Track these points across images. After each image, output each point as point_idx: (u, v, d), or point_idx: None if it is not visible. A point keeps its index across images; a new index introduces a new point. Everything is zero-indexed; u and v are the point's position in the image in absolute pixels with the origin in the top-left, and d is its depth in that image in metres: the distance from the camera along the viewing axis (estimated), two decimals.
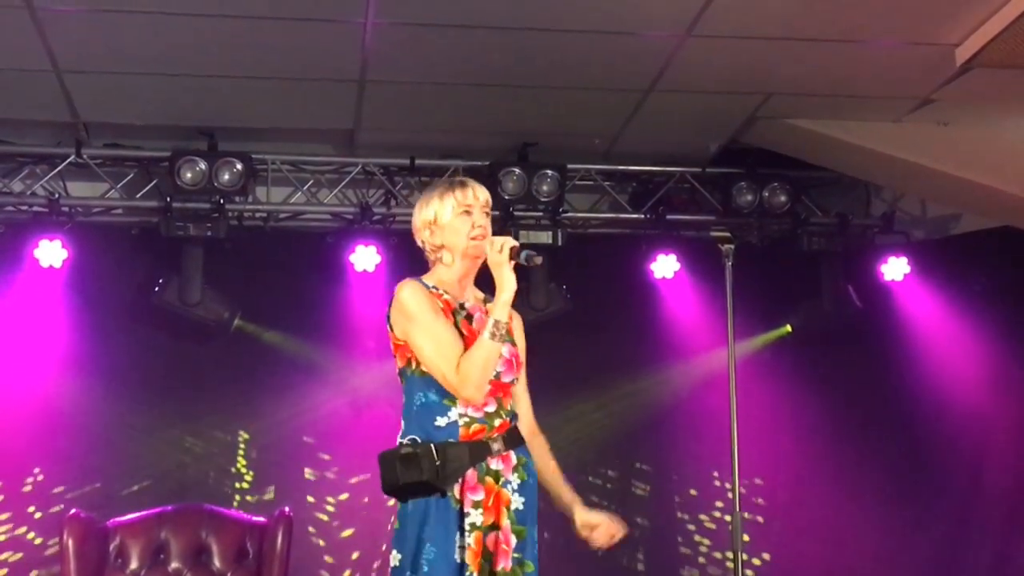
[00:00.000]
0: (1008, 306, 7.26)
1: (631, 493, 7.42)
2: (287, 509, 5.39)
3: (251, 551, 5.31)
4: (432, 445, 3.64)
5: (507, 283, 3.70)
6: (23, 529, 6.75)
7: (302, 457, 7.12)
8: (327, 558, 7.03)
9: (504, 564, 3.64)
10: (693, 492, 7.45)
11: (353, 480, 7.09)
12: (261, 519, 5.47)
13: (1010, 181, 6.45)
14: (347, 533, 7.06)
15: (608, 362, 7.27)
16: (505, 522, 3.67)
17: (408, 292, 3.77)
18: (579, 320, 7.15)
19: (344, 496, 7.09)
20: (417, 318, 3.73)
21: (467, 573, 3.61)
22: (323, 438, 7.12)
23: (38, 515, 6.77)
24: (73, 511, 5.38)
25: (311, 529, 6.97)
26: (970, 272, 7.26)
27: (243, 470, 7.07)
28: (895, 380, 7.38)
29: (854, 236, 7.39)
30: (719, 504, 7.40)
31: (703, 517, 7.42)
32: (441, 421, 3.70)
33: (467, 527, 3.64)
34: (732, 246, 4.74)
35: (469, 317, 3.79)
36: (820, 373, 7.42)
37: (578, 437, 7.18)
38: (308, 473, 7.12)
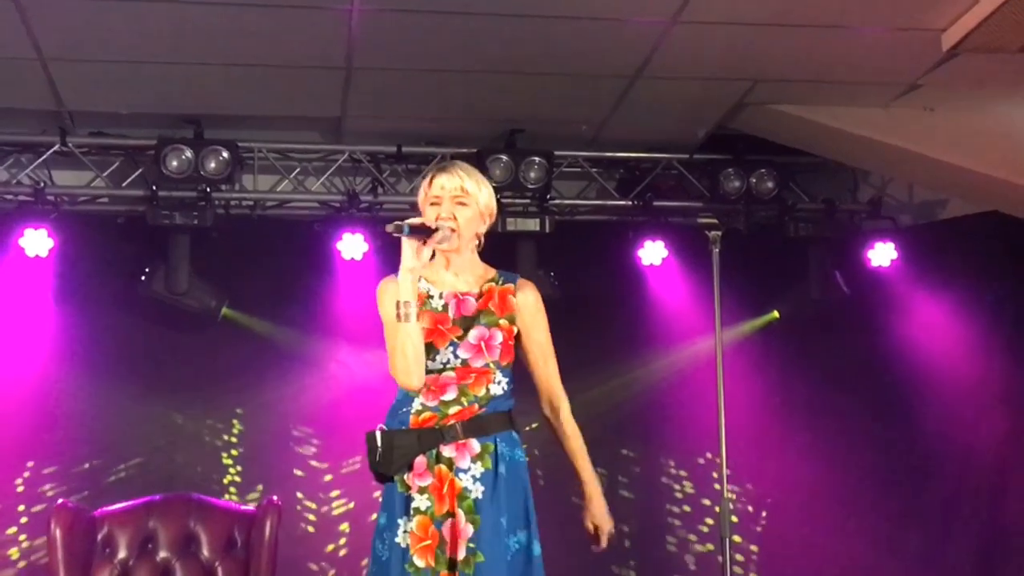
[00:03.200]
0: (995, 290, 7.28)
1: (619, 479, 7.43)
2: (275, 498, 5.38)
3: (240, 540, 5.30)
4: (378, 432, 3.70)
5: (403, 255, 3.70)
6: (9, 519, 6.74)
7: (290, 445, 7.12)
8: (316, 547, 7.03)
9: (455, 552, 3.64)
10: (680, 477, 7.46)
11: (342, 468, 7.09)
12: (250, 508, 5.46)
13: (996, 166, 6.46)
14: (336, 521, 7.06)
15: (596, 349, 7.26)
16: (457, 510, 3.68)
17: (379, 289, 3.83)
18: (566, 307, 7.11)
19: (332, 484, 7.09)
20: (381, 312, 3.79)
21: (410, 558, 3.63)
22: (311, 426, 7.12)
23: (24, 505, 6.75)
24: (60, 501, 5.37)
25: (300, 518, 6.97)
26: (957, 257, 7.26)
27: (231, 459, 7.07)
28: (883, 365, 7.39)
29: (841, 222, 7.40)
30: (706, 489, 7.41)
31: (691, 503, 7.43)
32: (403, 410, 3.76)
33: (412, 512, 3.67)
34: (719, 233, 4.74)
35: (445, 307, 3.79)
36: (808, 359, 7.43)
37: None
38: (297, 461, 7.11)
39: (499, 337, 3.80)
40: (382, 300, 3.79)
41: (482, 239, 3.90)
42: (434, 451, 3.70)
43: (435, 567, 3.64)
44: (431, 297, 3.80)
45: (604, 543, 3.90)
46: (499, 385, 3.79)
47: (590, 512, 3.92)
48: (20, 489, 6.78)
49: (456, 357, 3.75)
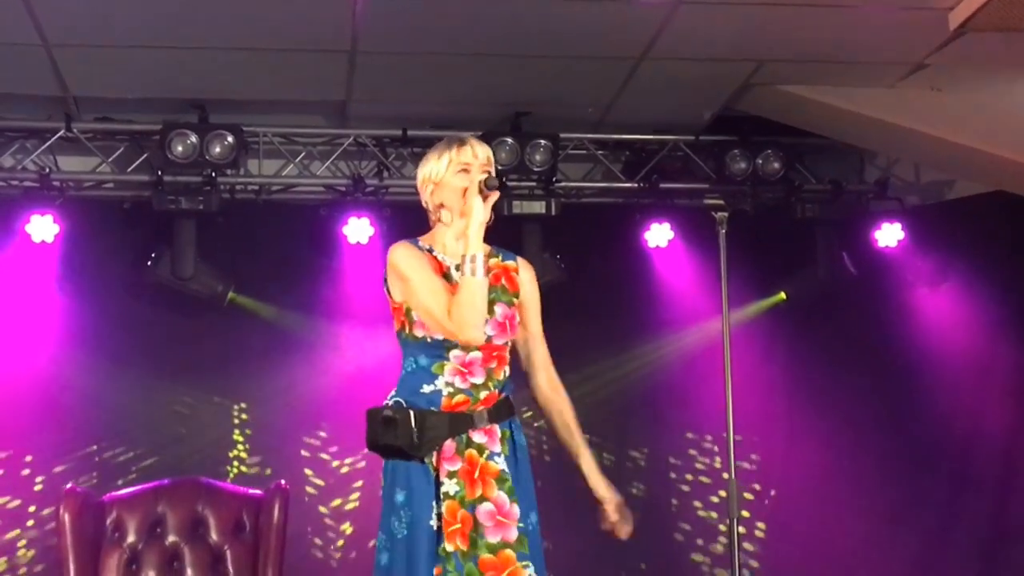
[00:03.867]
0: (1002, 271, 7.26)
1: (626, 462, 7.43)
2: (283, 482, 5.39)
3: (248, 524, 5.30)
4: (412, 412, 3.66)
5: (473, 212, 3.69)
6: (18, 504, 6.76)
7: (298, 429, 7.13)
8: (324, 530, 7.04)
9: (503, 535, 3.63)
10: (687, 459, 7.47)
11: (350, 451, 7.10)
12: (258, 492, 5.46)
13: (1003, 145, 6.44)
14: (343, 504, 7.07)
15: (603, 331, 7.27)
16: (498, 493, 3.66)
17: (400, 252, 3.78)
18: (573, 290, 7.14)
19: (341, 467, 7.10)
20: (409, 275, 3.73)
21: (443, 542, 3.61)
22: (319, 410, 7.12)
23: (35, 489, 6.77)
24: (69, 486, 5.38)
25: (308, 501, 6.98)
26: (964, 237, 7.25)
27: (239, 443, 7.08)
28: (890, 346, 7.38)
29: (848, 203, 7.38)
30: (713, 471, 7.41)
31: (698, 485, 7.44)
32: (427, 388, 3.71)
33: (441, 496, 3.65)
34: (726, 214, 4.73)
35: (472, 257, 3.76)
36: (815, 340, 7.43)
37: (572, 405, 7.17)
38: (304, 445, 7.12)
39: (516, 316, 3.82)
40: (407, 262, 3.74)
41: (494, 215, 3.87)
42: (464, 436, 3.68)
43: (470, 550, 3.61)
44: (450, 269, 3.77)
45: (621, 517, 3.93)
46: (508, 366, 3.81)
47: (593, 486, 3.91)
48: (27, 474, 6.79)
49: (483, 334, 3.72)
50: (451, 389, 3.70)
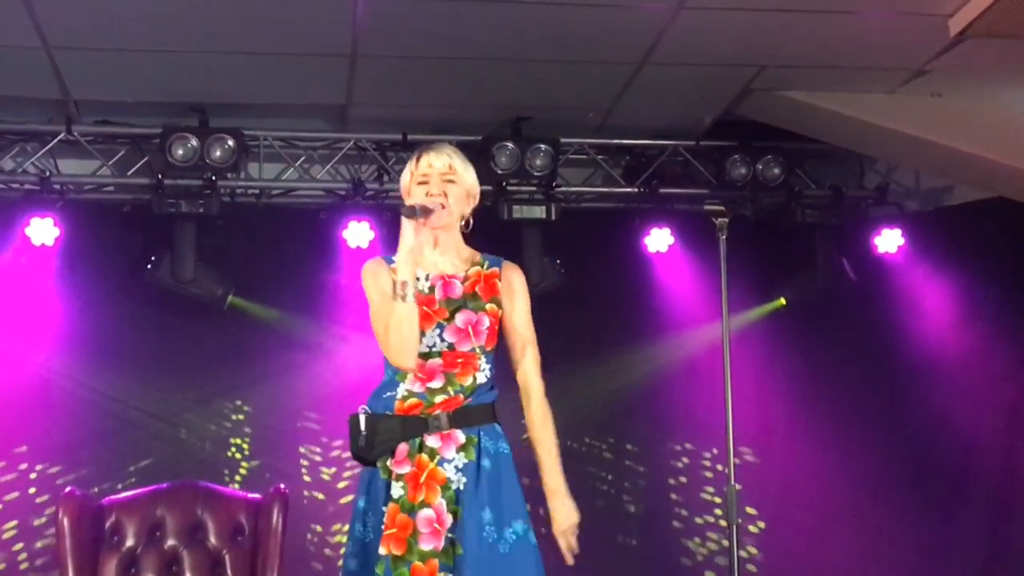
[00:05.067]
0: (1001, 277, 7.27)
1: (625, 465, 7.43)
2: (283, 486, 5.38)
3: (247, 528, 5.29)
4: (363, 416, 3.69)
5: (402, 237, 3.69)
6: (17, 506, 6.75)
7: (297, 433, 7.12)
8: (323, 533, 7.04)
9: (434, 544, 3.61)
10: (687, 464, 7.46)
11: (348, 455, 7.08)
12: (257, 496, 5.45)
13: (1003, 152, 6.44)
14: (342, 508, 7.06)
15: (603, 336, 7.27)
16: (438, 501, 3.64)
17: (365, 270, 3.82)
18: (573, 295, 7.14)
19: (339, 471, 7.09)
20: (367, 294, 3.78)
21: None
22: (318, 413, 7.11)
23: (32, 492, 6.76)
24: (68, 489, 5.37)
25: (306, 505, 6.97)
26: (964, 243, 7.25)
27: (238, 446, 7.07)
28: (889, 351, 7.38)
29: (848, 208, 7.39)
30: (713, 475, 7.41)
31: (697, 491, 7.43)
32: (388, 394, 3.74)
33: (389, 499, 3.66)
34: (726, 220, 4.72)
35: (432, 289, 3.76)
36: (815, 345, 7.43)
37: (573, 410, 7.17)
38: (303, 449, 7.12)
39: (486, 322, 3.77)
40: (367, 282, 3.79)
41: (471, 221, 3.87)
42: (418, 439, 3.68)
43: (405, 556, 3.59)
44: (417, 279, 3.75)
45: (571, 543, 3.77)
46: (483, 373, 3.76)
47: (551, 507, 3.79)
48: (26, 478, 6.79)
49: (443, 340, 3.72)
50: (405, 392, 3.71)
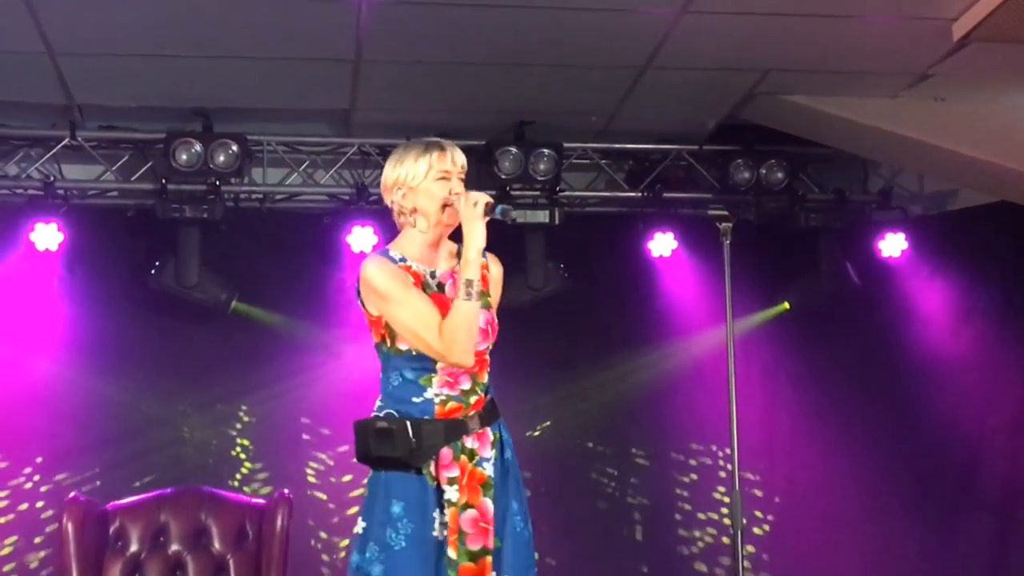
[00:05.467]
0: (1005, 281, 7.26)
1: (630, 470, 7.43)
2: (287, 491, 5.38)
3: (251, 533, 5.29)
4: (408, 422, 3.63)
5: (475, 239, 3.65)
6: (22, 511, 6.75)
7: (301, 437, 7.12)
8: (327, 539, 7.03)
9: (485, 543, 3.63)
10: (692, 469, 7.46)
11: (353, 460, 7.06)
12: (261, 501, 5.46)
13: (1007, 156, 6.44)
14: (347, 513, 7.06)
15: (606, 341, 7.27)
16: (482, 500, 3.65)
17: (373, 269, 3.71)
18: (577, 299, 7.15)
19: (343, 476, 7.09)
20: (390, 295, 3.67)
21: (447, 550, 3.60)
22: (322, 418, 7.11)
23: (37, 499, 6.76)
24: (72, 494, 5.37)
25: (310, 510, 6.97)
26: (968, 247, 7.25)
27: (242, 451, 7.07)
28: (893, 356, 7.38)
29: (851, 212, 7.38)
30: (718, 480, 7.40)
31: (702, 494, 7.43)
32: (417, 399, 3.68)
33: (445, 503, 3.63)
34: (730, 224, 4.73)
35: (441, 286, 3.74)
36: (818, 350, 7.42)
37: (576, 414, 7.19)
38: (307, 453, 7.12)
39: (495, 318, 3.78)
40: (385, 281, 3.67)
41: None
42: (459, 442, 3.66)
43: (456, 559, 3.60)
44: (427, 277, 3.74)
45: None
46: (489, 370, 3.77)
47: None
48: (30, 483, 6.79)
49: (472, 358, 3.69)
50: (442, 397, 3.68)
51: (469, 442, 3.68)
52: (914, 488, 7.28)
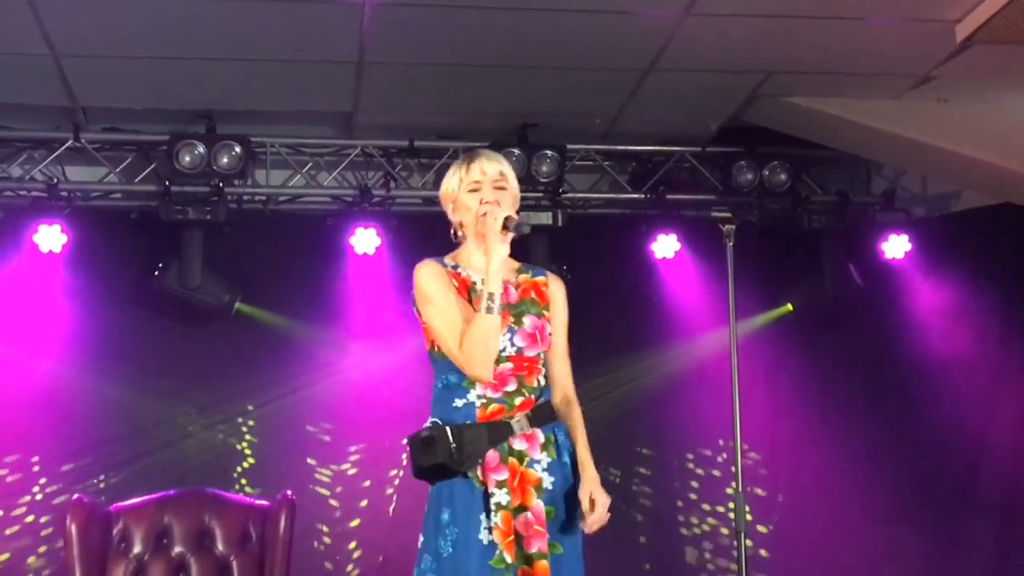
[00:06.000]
0: (1009, 283, 7.26)
1: (633, 472, 7.42)
2: (289, 492, 5.38)
3: (254, 535, 5.29)
4: (448, 428, 3.63)
5: (494, 253, 3.67)
6: (25, 513, 6.75)
7: (304, 439, 7.12)
8: (330, 541, 7.03)
9: (539, 546, 3.60)
10: (695, 470, 7.46)
11: (356, 462, 7.09)
12: (264, 502, 5.45)
13: (1010, 157, 6.44)
14: (350, 514, 7.06)
15: (609, 343, 7.26)
16: (535, 503, 3.63)
17: (422, 272, 3.76)
18: (579, 301, 7.06)
19: (346, 478, 7.09)
20: (429, 297, 3.72)
21: (497, 552, 3.57)
22: (325, 420, 7.11)
23: (40, 499, 6.77)
24: (76, 496, 5.38)
25: (314, 512, 6.96)
26: (971, 249, 7.25)
27: (245, 453, 7.08)
28: (896, 357, 7.38)
29: (855, 214, 7.38)
30: (721, 481, 7.40)
31: (705, 495, 7.42)
32: (459, 402, 3.68)
33: (493, 507, 3.61)
34: (733, 226, 4.73)
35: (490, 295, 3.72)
36: (821, 351, 7.42)
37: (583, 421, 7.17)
38: (310, 455, 7.12)
39: (548, 327, 3.79)
40: (429, 284, 3.72)
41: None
42: (505, 444, 3.65)
43: (514, 563, 3.58)
44: (475, 284, 3.76)
45: (600, 512, 3.73)
46: (544, 376, 3.77)
47: (594, 494, 3.75)
48: (35, 485, 6.80)
49: (512, 345, 3.71)
50: (484, 399, 3.68)
51: (517, 444, 3.66)
52: (916, 488, 7.26)
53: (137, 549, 5.23)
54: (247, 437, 7.09)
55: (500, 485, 3.62)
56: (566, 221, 6.97)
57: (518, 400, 3.69)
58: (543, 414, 3.73)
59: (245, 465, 7.05)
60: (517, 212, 3.80)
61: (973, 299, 7.32)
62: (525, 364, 3.72)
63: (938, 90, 6.41)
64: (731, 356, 4.84)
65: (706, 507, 7.41)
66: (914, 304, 7.41)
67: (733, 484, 4.90)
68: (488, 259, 3.68)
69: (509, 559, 3.57)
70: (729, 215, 4.73)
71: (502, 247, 3.67)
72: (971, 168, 6.58)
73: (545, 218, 6.93)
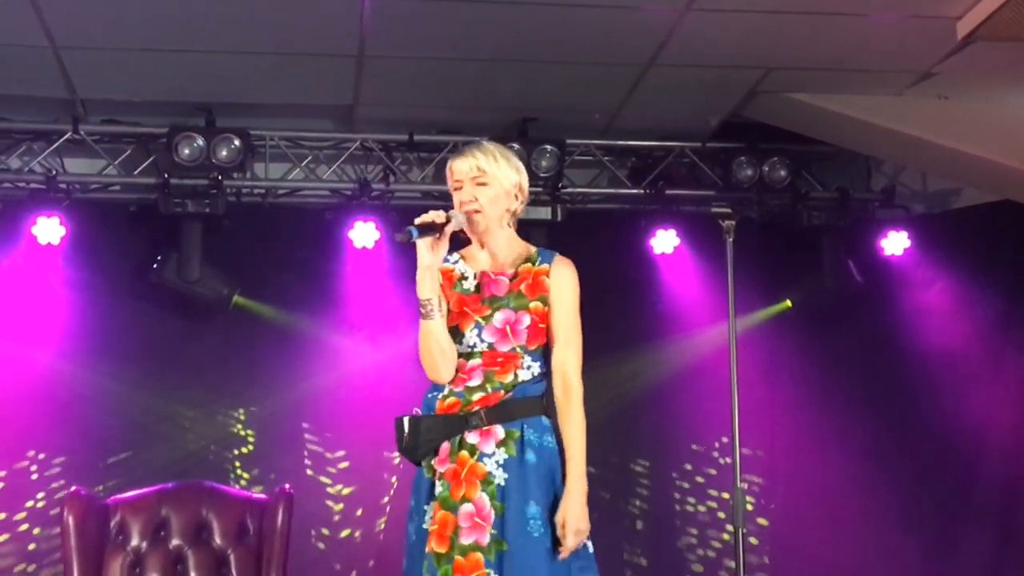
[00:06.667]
0: (1009, 280, 7.26)
1: (631, 468, 7.43)
2: (287, 486, 5.38)
3: (252, 528, 5.29)
4: (406, 418, 3.71)
5: (419, 259, 3.70)
6: (22, 505, 6.75)
7: (302, 433, 7.12)
8: (328, 535, 7.03)
9: (476, 538, 3.61)
10: (693, 467, 7.45)
11: (353, 456, 7.09)
12: (262, 496, 5.46)
13: (1010, 154, 6.43)
14: (347, 508, 7.06)
15: (607, 338, 7.23)
16: (478, 495, 3.64)
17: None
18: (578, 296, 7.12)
19: (344, 472, 7.09)
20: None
21: (432, 542, 3.64)
22: (323, 414, 7.11)
23: (37, 491, 6.77)
24: (73, 488, 5.38)
25: (311, 505, 6.96)
26: (971, 246, 7.24)
27: (243, 446, 7.07)
28: (896, 354, 7.37)
29: (854, 210, 7.38)
30: (719, 477, 7.40)
31: (703, 492, 7.42)
32: (430, 395, 3.79)
33: (435, 497, 3.69)
34: (733, 222, 4.73)
35: (478, 288, 3.77)
36: (821, 348, 7.42)
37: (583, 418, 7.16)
38: (308, 448, 7.12)
39: (526, 320, 3.75)
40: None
41: (518, 214, 3.87)
42: (458, 437, 3.69)
43: (448, 552, 3.60)
44: (464, 278, 3.80)
45: (569, 543, 3.62)
46: (528, 371, 3.75)
47: (563, 504, 3.66)
48: (32, 477, 6.79)
49: (482, 341, 3.73)
50: (445, 392, 3.74)
51: (470, 437, 3.69)
52: (915, 487, 7.26)
53: (135, 541, 5.23)
54: (245, 430, 7.08)
55: (440, 477, 3.68)
56: (565, 216, 6.97)
57: (477, 395, 3.71)
58: (510, 409, 3.71)
59: (243, 457, 7.05)
60: (521, 205, 3.86)
61: (973, 296, 7.32)
62: (499, 359, 3.73)
63: (939, 87, 6.41)
64: (730, 352, 4.84)
65: (704, 503, 7.41)
66: (913, 301, 7.41)
67: (731, 480, 4.89)
68: (418, 266, 3.71)
69: (435, 547, 3.61)
70: (729, 211, 4.74)
71: (426, 254, 3.68)
72: (971, 165, 6.58)
73: (544, 213, 6.93)
